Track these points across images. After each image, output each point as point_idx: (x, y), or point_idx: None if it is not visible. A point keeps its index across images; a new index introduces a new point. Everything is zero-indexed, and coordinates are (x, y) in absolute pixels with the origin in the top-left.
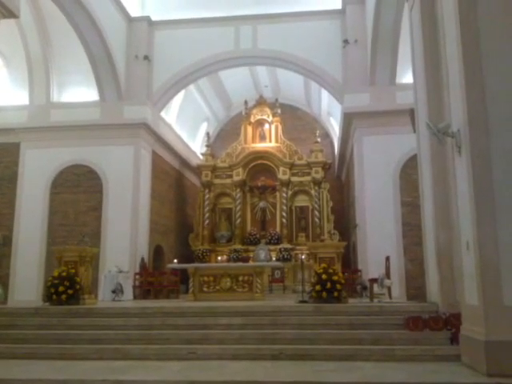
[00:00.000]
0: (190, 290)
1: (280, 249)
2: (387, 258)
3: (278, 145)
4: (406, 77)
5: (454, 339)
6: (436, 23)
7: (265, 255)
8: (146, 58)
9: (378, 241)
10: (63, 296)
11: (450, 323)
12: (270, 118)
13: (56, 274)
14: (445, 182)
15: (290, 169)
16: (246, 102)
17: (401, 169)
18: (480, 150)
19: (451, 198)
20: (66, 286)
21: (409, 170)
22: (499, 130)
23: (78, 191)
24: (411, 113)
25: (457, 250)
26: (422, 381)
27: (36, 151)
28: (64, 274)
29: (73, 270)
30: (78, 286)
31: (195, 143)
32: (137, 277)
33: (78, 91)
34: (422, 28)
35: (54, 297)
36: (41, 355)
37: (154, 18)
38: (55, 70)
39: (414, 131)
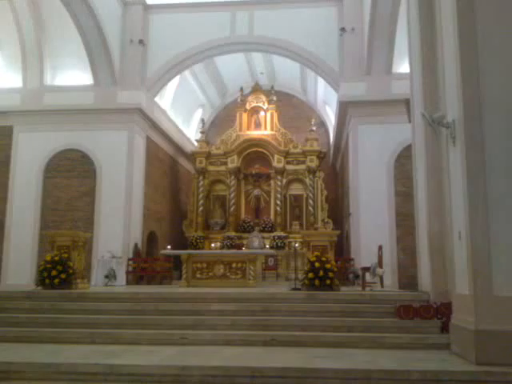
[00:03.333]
0: (183, 277)
1: (274, 237)
2: (380, 247)
3: (273, 132)
4: (403, 66)
5: (445, 328)
6: (433, 13)
7: (258, 243)
8: (140, 42)
9: (371, 230)
10: (56, 280)
11: (440, 312)
12: (266, 106)
13: (48, 258)
14: (439, 172)
15: (285, 157)
16: (241, 89)
17: (395, 158)
18: (474, 141)
19: (444, 189)
20: (58, 271)
21: (403, 160)
22: (493, 121)
23: (71, 176)
24: (407, 102)
25: (449, 240)
26: (411, 368)
27: (29, 135)
28: (57, 258)
29: (66, 255)
30: (70, 271)
31: (190, 130)
32: (130, 262)
33: (72, 75)
34: (419, 17)
35: (47, 281)
36: (33, 339)
37: (149, 2)
38: (49, 52)
39: (410, 121)
